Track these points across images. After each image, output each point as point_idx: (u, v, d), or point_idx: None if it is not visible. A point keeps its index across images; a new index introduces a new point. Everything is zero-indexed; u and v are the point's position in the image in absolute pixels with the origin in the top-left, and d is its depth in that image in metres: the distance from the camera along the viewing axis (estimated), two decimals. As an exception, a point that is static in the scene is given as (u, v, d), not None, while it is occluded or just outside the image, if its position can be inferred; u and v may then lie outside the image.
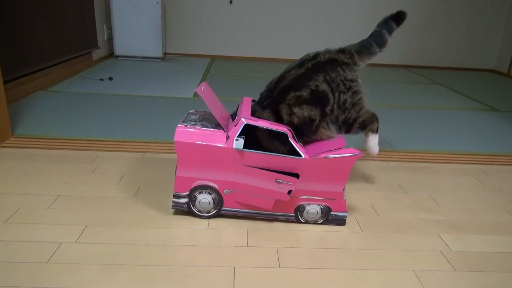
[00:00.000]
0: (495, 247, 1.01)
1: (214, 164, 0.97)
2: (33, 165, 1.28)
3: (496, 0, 3.57)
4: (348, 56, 1.07)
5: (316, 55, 1.07)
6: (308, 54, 1.09)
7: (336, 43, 1.11)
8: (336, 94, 1.03)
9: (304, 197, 1.01)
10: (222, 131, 0.97)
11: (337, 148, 1.01)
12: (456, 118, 2.12)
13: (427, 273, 0.89)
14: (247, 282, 0.82)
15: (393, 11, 1.15)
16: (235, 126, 0.96)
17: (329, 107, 1.03)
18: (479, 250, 0.99)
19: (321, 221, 1.05)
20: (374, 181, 1.33)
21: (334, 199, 1.02)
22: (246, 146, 0.97)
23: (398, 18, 1.15)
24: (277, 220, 1.06)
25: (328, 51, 1.08)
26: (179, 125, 0.99)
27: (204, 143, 0.95)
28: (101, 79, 2.48)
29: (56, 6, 2.28)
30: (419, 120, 2.04)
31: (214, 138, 0.96)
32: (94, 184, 1.18)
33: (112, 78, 2.51)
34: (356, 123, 1.08)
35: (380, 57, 4.08)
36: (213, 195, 1.01)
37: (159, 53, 3.22)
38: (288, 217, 1.05)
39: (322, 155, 0.96)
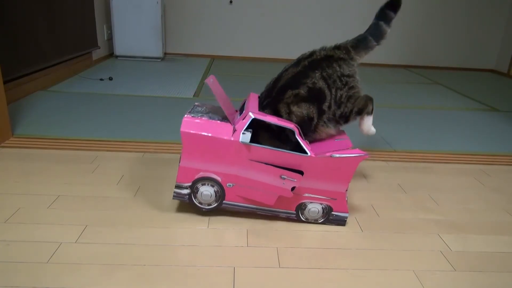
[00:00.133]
0: (495, 247, 1.01)
1: (219, 157, 0.97)
2: (33, 165, 1.28)
3: (496, 0, 3.57)
4: (344, 51, 1.07)
5: (312, 53, 1.07)
6: (305, 53, 1.09)
7: (335, 43, 1.11)
8: (333, 90, 1.03)
9: (306, 195, 1.01)
10: (229, 124, 0.97)
11: (343, 149, 1.01)
12: (456, 118, 2.12)
13: (427, 273, 0.89)
14: (247, 282, 0.82)
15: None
16: (243, 119, 0.95)
17: (326, 104, 1.03)
18: (479, 250, 0.99)
19: (322, 220, 1.05)
20: (374, 181, 1.33)
21: (336, 199, 1.02)
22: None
23: (393, 5, 1.12)
24: (277, 217, 1.06)
25: (323, 48, 1.08)
26: (186, 115, 0.98)
27: (210, 134, 0.95)
28: (101, 79, 2.48)
29: (56, 6, 2.28)
30: (419, 120, 2.04)
31: (221, 130, 0.96)
32: (94, 184, 1.18)
33: (112, 78, 2.51)
34: (353, 113, 1.07)
35: (380, 57, 4.06)
36: (216, 188, 1.01)
37: (159, 53, 3.22)
38: (289, 215, 1.05)
39: (328, 154, 0.96)
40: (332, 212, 1.04)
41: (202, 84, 2.58)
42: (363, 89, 1.10)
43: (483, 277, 0.89)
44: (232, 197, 1.02)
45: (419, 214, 1.14)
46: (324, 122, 1.04)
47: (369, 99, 1.09)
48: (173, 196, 1.02)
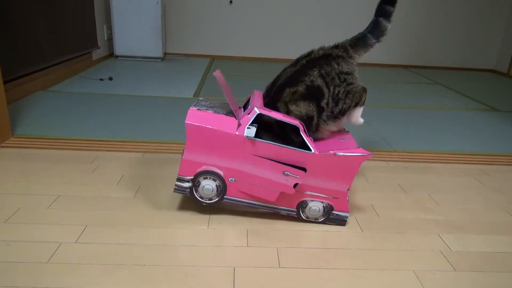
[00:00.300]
0: (495, 247, 1.01)
1: (223, 151, 0.97)
2: (33, 165, 1.28)
3: (496, 0, 3.57)
4: (342, 50, 1.06)
5: (310, 52, 1.07)
6: (303, 53, 1.09)
7: (335, 43, 1.11)
8: (331, 87, 1.02)
9: (308, 192, 1.01)
10: (234, 118, 0.97)
11: (347, 148, 1.01)
12: (456, 118, 2.12)
13: (427, 273, 0.89)
14: (247, 282, 0.82)
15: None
16: (248, 114, 0.95)
17: (325, 101, 1.02)
18: (479, 250, 0.99)
19: (322, 219, 1.05)
20: (374, 181, 1.33)
21: (337, 198, 1.02)
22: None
23: None
24: (278, 214, 1.06)
25: (322, 48, 1.07)
26: (191, 107, 0.98)
27: (215, 128, 0.95)
28: (101, 79, 2.48)
29: (56, 6, 2.28)
30: (419, 120, 2.04)
31: (226, 124, 0.96)
32: (94, 184, 1.18)
33: (112, 78, 2.51)
34: (351, 108, 1.07)
35: (380, 57, 4.05)
36: (217, 182, 1.00)
37: (159, 53, 3.22)
38: (289, 212, 1.04)
39: (332, 152, 0.96)
40: (333, 211, 1.03)
41: (202, 84, 2.58)
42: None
43: (483, 277, 0.89)
44: (233, 192, 1.02)
45: (419, 214, 1.14)
46: (324, 120, 1.04)
47: (364, 91, 1.08)
48: (174, 189, 1.02)
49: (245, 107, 1.05)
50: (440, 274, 0.89)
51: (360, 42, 1.09)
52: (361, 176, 1.36)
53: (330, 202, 1.02)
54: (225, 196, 1.02)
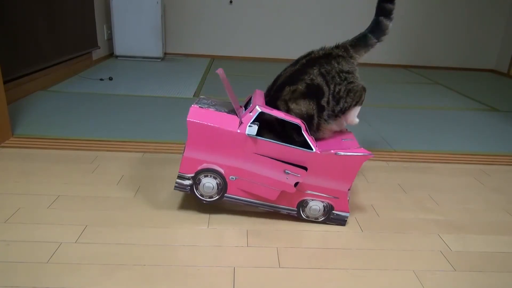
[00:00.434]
0: (495, 247, 1.01)
1: (224, 149, 0.97)
2: (33, 165, 1.28)
3: (496, 0, 3.57)
4: (342, 50, 1.06)
5: (310, 52, 1.07)
6: (304, 53, 1.09)
7: (335, 43, 1.11)
8: (332, 86, 1.02)
9: (309, 192, 1.01)
10: (235, 116, 0.97)
11: (348, 148, 1.01)
12: (456, 118, 2.12)
13: (427, 273, 0.89)
14: (247, 282, 0.82)
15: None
16: (250, 112, 0.95)
17: (325, 99, 1.02)
18: (479, 250, 0.99)
19: (322, 219, 1.05)
20: (374, 181, 1.33)
21: (338, 198, 1.02)
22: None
23: None
24: (278, 213, 1.06)
25: (322, 48, 1.07)
26: (193, 105, 0.98)
27: (217, 126, 0.95)
28: (101, 79, 2.48)
29: (56, 6, 2.28)
30: (419, 120, 2.04)
31: (227, 122, 0.96)
32: (94, 184, 1.18)
33: (112, 78, 2.51)
34: (352, 106, 1.06)
35: (380, 57, 4.04)
36: (218, 180, 1.00)
37: (159, 53, 3.22)
38: (290, 211, 1.04)
39: (333, 151, 0.96)
40: (333, 211, 1.03)
41: (202, 84, 2.58)
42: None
43: (483, 277, 0.89)
44: (234, 191, 1.02)
45: (419, 214, 1.14)
46: (325, 119, 1.04)
47: (364, 90, 1.08)
48: (175, 186, 1.02)
49: (246, 106, 1.05)
50: (440, 274, 0.89)
51: (360, 42, 1.09)
52: (361, 176, 1.36)
53: (330, 202, 1.02)
54: (225, 194, 1.02)
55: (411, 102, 2.43)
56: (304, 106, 1.01)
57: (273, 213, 1.08)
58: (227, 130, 0.95)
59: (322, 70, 1.02)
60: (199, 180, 1.00)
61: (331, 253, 0.94)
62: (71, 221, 0.99)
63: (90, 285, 0.79)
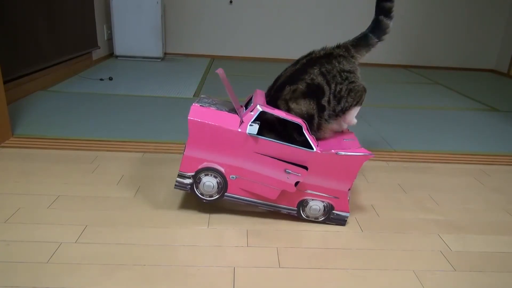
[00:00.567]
0: (495, 247, 1.01)
1: (224, 148, 0.97)
2: (33, 165, 1.28)
3: (496, 0, 3.57)
4: (343, 49, 1.06)
5: (311, 52, 1.07)
6: (305, 54, 1.09)
7: (336, 43, 1.11)
8: (333, 85, 1.02)
9: (309, 191, 1.01)
10: (236, 115, 0.97)
11: (349, 148, 1.01)
12: (456, 118, 2.12)
13: (427, 273, 0.89)
14: (247, 282, 0.82)
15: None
16: (251, 112, 0.96)
17: (326, 99, 1.02)
18: (479, 250, 0.99)
19: (322, 218, 1.05)
20: (374, 181, 1.33)
21: (338, 198, 1.02)
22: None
23: None
24: (278, 212, 1.06)
25: (323, 48, 1.07)
26: (194, 104, 0.98)
27: (218, 124, 0.95)
28: (101, 79, 2.48)
29: (56, 6, 2.28)
30: (419, 120, 2.04)
31: (228, 121, 0.96)
32: (94, 184, 1.18)
33: (112, 78, 2.51)
34: (352, 106, 1.06)
35: (380, 57, 4.04)
36: (218, 179, 1.00)
37: (159, 53, 3.22)
38: (290, 211, 1.04)
39: (333, 151, 0.96)
40: (333, 211, 1.03)
41: (202, 84, 2.58)
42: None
43: (483, 277, 0.89)
44: (234, 190, 1.01)
45: (419, 214, 1.14)
46: (326, 119, 1.04)
47: (364, 91, 1.08)
48: (175, 185, 1.02)
49: (246, 106, 1.05)
50: (440, 274, 0.89)
51: (361, 42, 1.08)
52: (361, 176, 1.36)
53: (330, 202, 1.02)
54: (225, 194, 1.02)
55: (411, 102, 2.43)
56: (304, 105, 1.01)
57: (273, 213, 1.08)
58: (228, 129, 0.95)
59: (323, 69, 1.02)
60: (200, 179, 1.00)
61: (331, 253, 0.94)
62: (71, 221, 0.99)
63: (90, 285, 0.79)
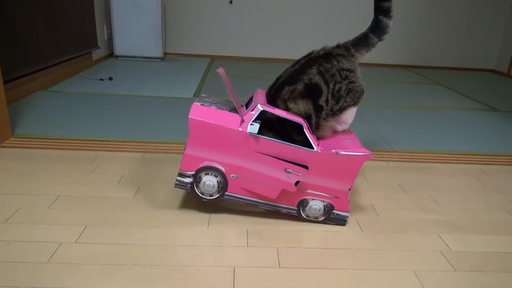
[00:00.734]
0: (495, 247, 1.01)
1: (225, 147, 0.97)
2: (33, 165, 1.28)
3: (496, 0, 3.57)
4: (343, 49, 1.06)
5: (310, 52, 1.07)
6: (305, 54, 1.09)
7: (336, 43, 1.11)
8: (331, 84, 1.02)
9: (309, 191, 1.01)
10: (237, 114, 0.97)
11: (350, 148, 1.01)
12: (456, 118, 2.12)
13: (427, 273, 0.89)
14: (247, 282, 0.82)
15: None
16: (252, 111, 0.96)
17: (323, 98, 1.02)
18: (479, 250, 0.99)
19: (322, 218, 1.05)
20: (374, 181, 1.33)
21: (338, 198, 1.02)
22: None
23: None
24: (278, 212, 1.06)
25: (323, 48, 1.07)
26: (195, 103, 0.98)
27: (218, 123, 0.95)
28: (101, 79, 2.48)
29: (56, 6, 2.28)
30: (419, 120, 2.04)
31: (229, 120, 0.96)
32: (94, 184, 1.18)
33: (112, 78, 2.51)
34: (349, 106, 1.06)
35: (380, 57, 4.04)
36: (219, 178, 1.00)
37: (159, 53, 3.22)
38: (290, 210, 1.04)
39: (334, 151, 0.96)
40: (333, 211, 1.03)
41: (202, 84, 2.58)
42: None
43: (483, 277, 0.89)
44: (234, 189, 1.01)
45: (419, 214, 1.14)
46: (323, 118, 1.04)
47: (363, 92, 1.08)
48: (175, 184, 1.02)
49: (247, 105, 1.05)
50: (440, 274, 0.89)
51: (361, 41, 1.08)
52: (361, 176, 1.36)
53: (330, 201, 1.02)
54: (226, 193, 1.02)
55: (411, 102, 2.43)
56: (302, 106, 1.01)
57: (273, 213, 1.08)
58: (228, 128, 0.95)
59: (321, 68, 1.02)
60: (200, 178, 1.00)
61: (331, 253, 0.94)
62: (71, 221, 0.99)
63: (90, 285, 0.79)
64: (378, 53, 3.65)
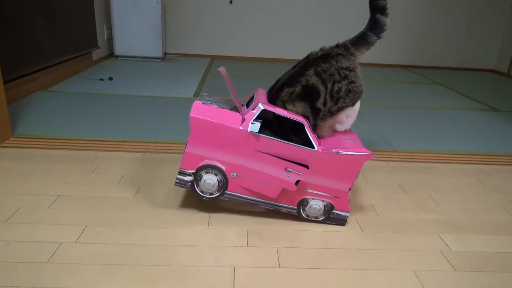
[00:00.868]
0: (495, 247, 1.01)
1: (226, 145, 0.97)
2: (33, 165, 1.28)
3: (496, 0, 3.57)
4: (343, 48, 1.06)
5: (309, 54, 1.07)
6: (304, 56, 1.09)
7: (335, 43, 1.11)
8: (329, 84, 1.01)
9: (309, 190, 1.01)
10: (238, 113, 0.97)
11: (350, 147, 1.01)
12: (456, 118, 2.12)
13: (427, 273, 0.89)
14: (247, 282, 0.82)
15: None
16: (253, 110, 0.96)
17: (321, 100, 1.02)
18: (479, 250, 0.99)
19: (322, 218, 1.05)
20: (374, 181, 1.33)
21: (338, 197, 1.02)
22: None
23: None
24: (278, 211, 1.06)
25: (321, 49, 1.07)
26: (196, 101, 0.98)
27: (219, 122, 0.95)
28: (101, 79, 2.48)
29: (56, 6, 2.28)
30: (419, 120, 2.04)
31: (230, 119, 0.96)
32: (94, 184, 1.18)
33: (112, 78, 2.51)
34: (347, 107, 1.05)
35: (380, 57, 4.04)
36: (219, 177, 1.00)
37: (159, 53, 3.22)
38: (290, 210, 1.04)
39: (334, 150, 0.96)
40: (333, 211, 1.03)
41: (202, 84, 2.58)
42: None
43: (483, 277, 0.89)
44: (234, 188, 1.01)
45: (419, 214, 1.14)
46: (321, 118, 1.04)
47: (361, 92, 1.07)
48: (176, 182, 1.02)
49: (248, 105, 1.05)
50: (440, 274, 0.89)
51: (361, 40, 1.08)
52: (361, 176, 1.36)
53: (331, 201, 1.02)
54: (226, 191, 1.02)
55: (411, 102, 2.43)
56: (300, 108, 1.01)
57: (273, 213, 1.08)
58: (229, 127, 0.95)
59: (318, 69, 1.01)
60: (200, 177, 1.00)
61: (331, 253, 0.94)
62: (71, 221, 0.99)
63: (90, 285, 0.79)
64: (378, 53, 3.66)
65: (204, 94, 1.09)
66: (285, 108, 1.01)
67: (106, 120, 1.75)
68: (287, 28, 3.57)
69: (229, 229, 1.01)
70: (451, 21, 3.63)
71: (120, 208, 1.07)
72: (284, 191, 1.01)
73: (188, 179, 1.01)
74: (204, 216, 1.05)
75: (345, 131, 1.12)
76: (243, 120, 0.96)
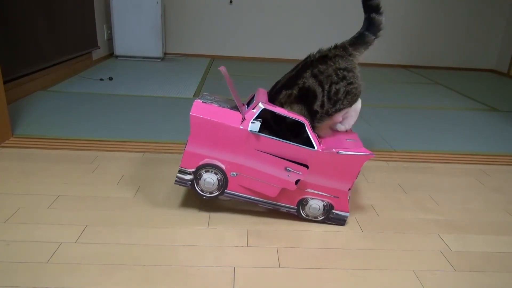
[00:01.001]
0: (495, 247, 1.01)
1: (226, 144, 0.97)
2: (33, 165, 1.28)
3: (496, 0, 3.57)
4: (341, 49, 1.06)
5: (308, 56, 1.07)
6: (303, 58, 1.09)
7: (333, 43, 1.11)
8: (327, 86, 1.01)
9: (309, 190, 1.01)
10: (238, 112, 0.97)
11: (350, 147, 1.01)
12: (456, 118, 2.12)
13: (427, 273, 0.89)
14: (247, 282, 0.82)
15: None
16: (253, 109, 0.96)
17: (318, 103, 1.01)
18: (479, 250, 0.99)
19: (322, 218, 1.05)
20: (374, 181, 1.33)
21: (338, 197, 1.02)
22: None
23: None
24: (278, 211, 1.06)
25: (319, 51, 1.07)
26: (196, 100, 0.98)
27: (220, 121, 0.95)
28: (101, 79, 2.48)
29: (56, 6, 2.28)
30: (419, 120, 2.04)
31: (230, 118, 0.96)
32: (94, 184, 1.18)
33: (112, 78, 2.51)
34: (345, 108, 1.05)
35: (380, 57, 4.04)
36: (219, 176, 1.00)
37: (159, 53, 3.22)
38: (289, 209, 1.04)
39: (334, 150, 0.96)
40: (333, 211, 1.04)
41: (202, 84, 2.58)
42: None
43: (483, 277, 0.89)
44: (234, 187, 1.02)
45: (419, 214, 1.14)
46: (318, 120, 1.04)
47: (359, 93, 1.07)
48: (175, 181, 1.02)
49: (248, 104, 1.06)
50: (440, 274, 0.89)
51: (358, 40, 1.08)
52: (361, 176, 1.36)
53: (330, 201, 1.02)
54: (226, 190, 1.02)
55: (411, 102, 2.43)
56: (297, 110, 1.01)
57: (273, 213, 1.08)
58: (229, 126, 0.95)
59: (315, 70, 1.01)
60: (200, 175, 1.00)
61: (331, 253, 0.94)
62: (71, 221, 0.99)
63: (90, 285, 0.79)
64: (378, 53, 3.66)
65: (205, 93, 1.09)
66: None
67: (106, 120, 1.75)
68: (287, 28, 3.57)
69: (229, 229, 1.01)
70: (451, 21, 3.63)
71: (120, 208, 1.07)
72: (283, 191, 1.01)
73: (188, 178, 1.01)
74: (204, 216, 1.05)
75: (346, 131, 1.12)
76: (244, 119, 0.96)
